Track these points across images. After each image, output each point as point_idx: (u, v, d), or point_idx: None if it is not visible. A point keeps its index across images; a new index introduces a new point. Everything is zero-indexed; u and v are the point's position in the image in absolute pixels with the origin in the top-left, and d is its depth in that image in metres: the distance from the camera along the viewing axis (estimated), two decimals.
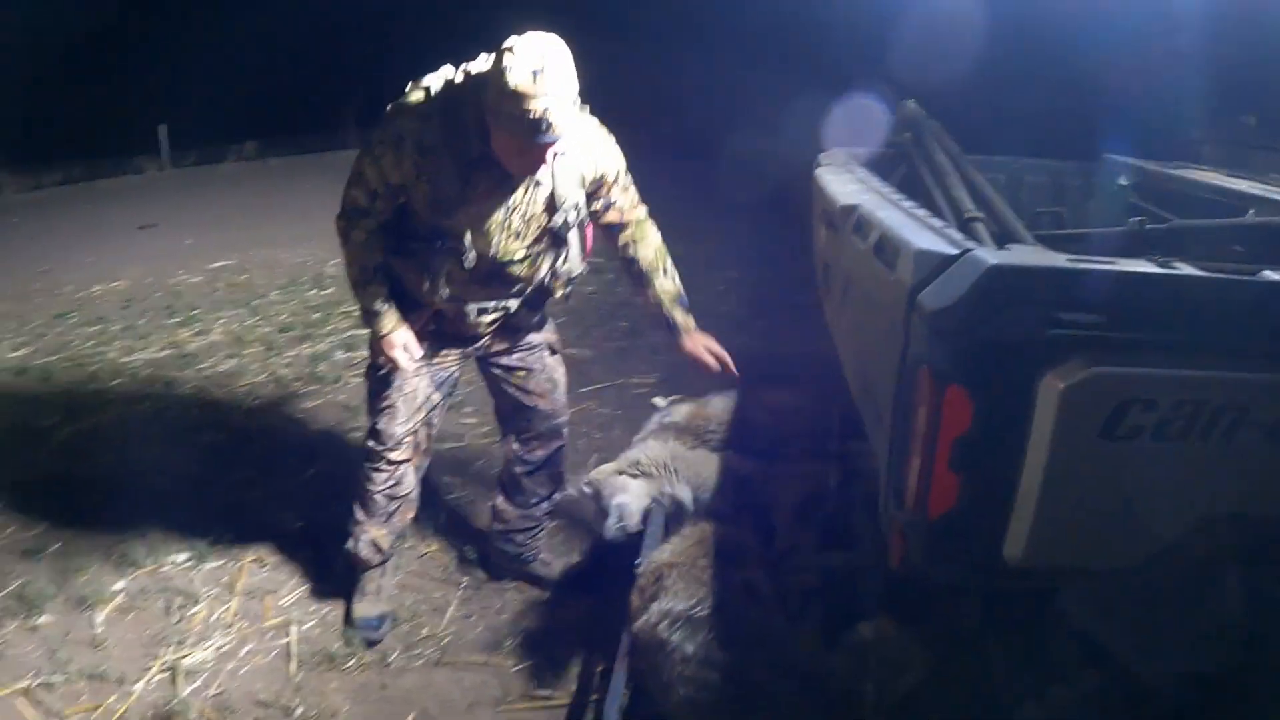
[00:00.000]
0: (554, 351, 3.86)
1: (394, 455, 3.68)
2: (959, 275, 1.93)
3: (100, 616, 3.98)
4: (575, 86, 2.96)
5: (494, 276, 3.40)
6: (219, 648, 3.77)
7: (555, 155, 3.15)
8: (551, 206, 3.32)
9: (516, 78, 2.81)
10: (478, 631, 3.86)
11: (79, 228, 11.62)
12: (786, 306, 7.16)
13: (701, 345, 3.65)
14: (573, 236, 3.46)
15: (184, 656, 3.72)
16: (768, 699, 2.73)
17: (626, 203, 3.56)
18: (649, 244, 3.64)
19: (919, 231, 2.25)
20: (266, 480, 5.05)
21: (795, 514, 3.63)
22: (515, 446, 3.95)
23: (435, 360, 3.63)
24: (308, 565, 4.28)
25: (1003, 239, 2.84)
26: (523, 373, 3.78)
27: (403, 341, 3.46)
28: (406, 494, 3.79)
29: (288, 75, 13.73)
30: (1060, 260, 2.00)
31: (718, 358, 3.66)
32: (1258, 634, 2.16)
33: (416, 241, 3.32)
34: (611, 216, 3.56)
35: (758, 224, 9.34)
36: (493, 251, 3.31)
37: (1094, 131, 4.38)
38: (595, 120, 3.39)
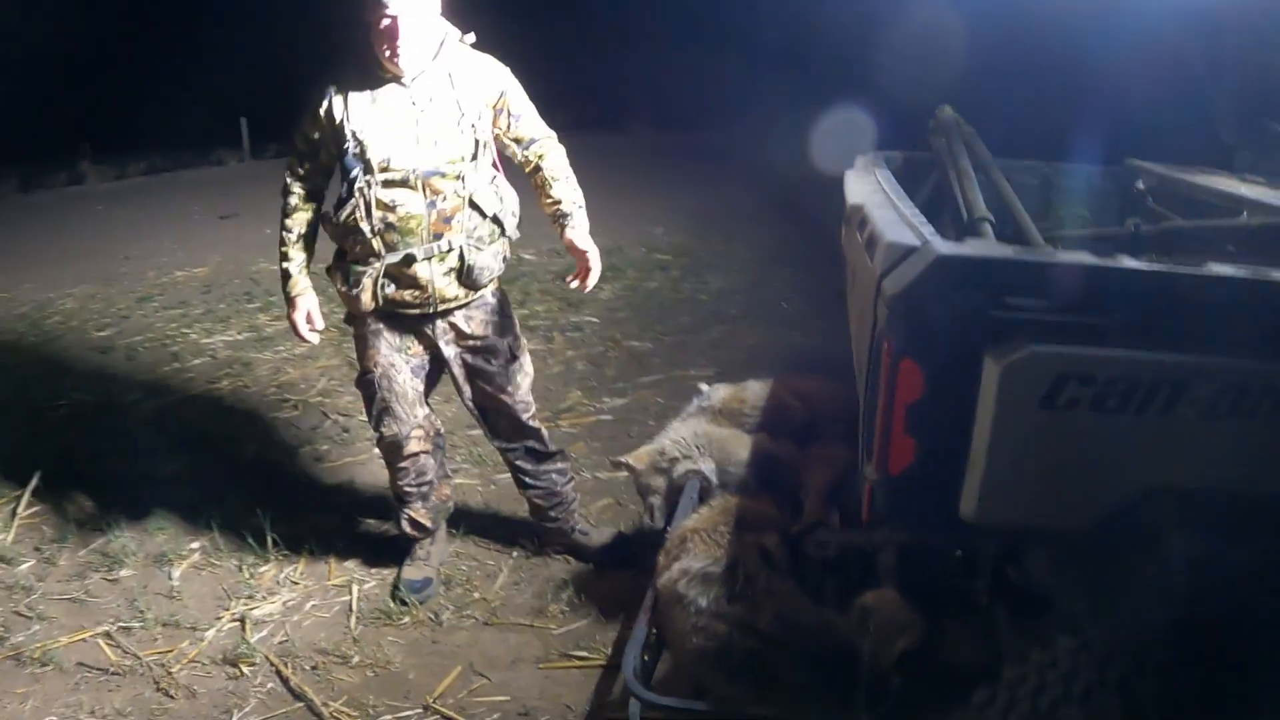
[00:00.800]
0: (514, 356, 4.02)
1: (407, 450, 4.02)
2: (914, 263, 2.25)
3: (177, 571, 4.42)
4: None
5: (429, 195, 3.61)
6: (285, 602, 4.18)
7: (442, 63, 3.62)
8: (459, 114, 3.62)
9: None
10: (525, 597, 4.17)
11: (162, 216, 12.01)
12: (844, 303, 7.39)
13: (584, 247, 3.87)
14: (486, 149, 3.73)
15: (253, 608, 4.14)
16: (771, 651, 3.05)
17: (531, 119, 3.86)
18: (555, 158, 3.92)
19: (897, 227, 2.57)
20: (338, 452, 5.50)
21: (821, 494, 3.85)
22: (497, 441, 4.23)
23: (406, 350, 3.92)
24: (372, 531, 4.69)
25: (1011, 238, 3.16)
26: (485, 374, 4.00)
27: (307, 308, 3.84)
28: (432, 477, 4.14)
29: None
30: (1005, 251, 2.32)
31: (586, 266, 3.89)
32: (1198, 596, 2.43)
33: (350, 193, 3.61)
34: (522, 131, 3.85)
35: (820, 224, 9.59)
36: (417, 163, 3.58)
37: (1127, 137, 4.58)
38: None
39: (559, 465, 4.32)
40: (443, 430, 4.23)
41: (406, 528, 4.22)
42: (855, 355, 3.17)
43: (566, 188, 3.90)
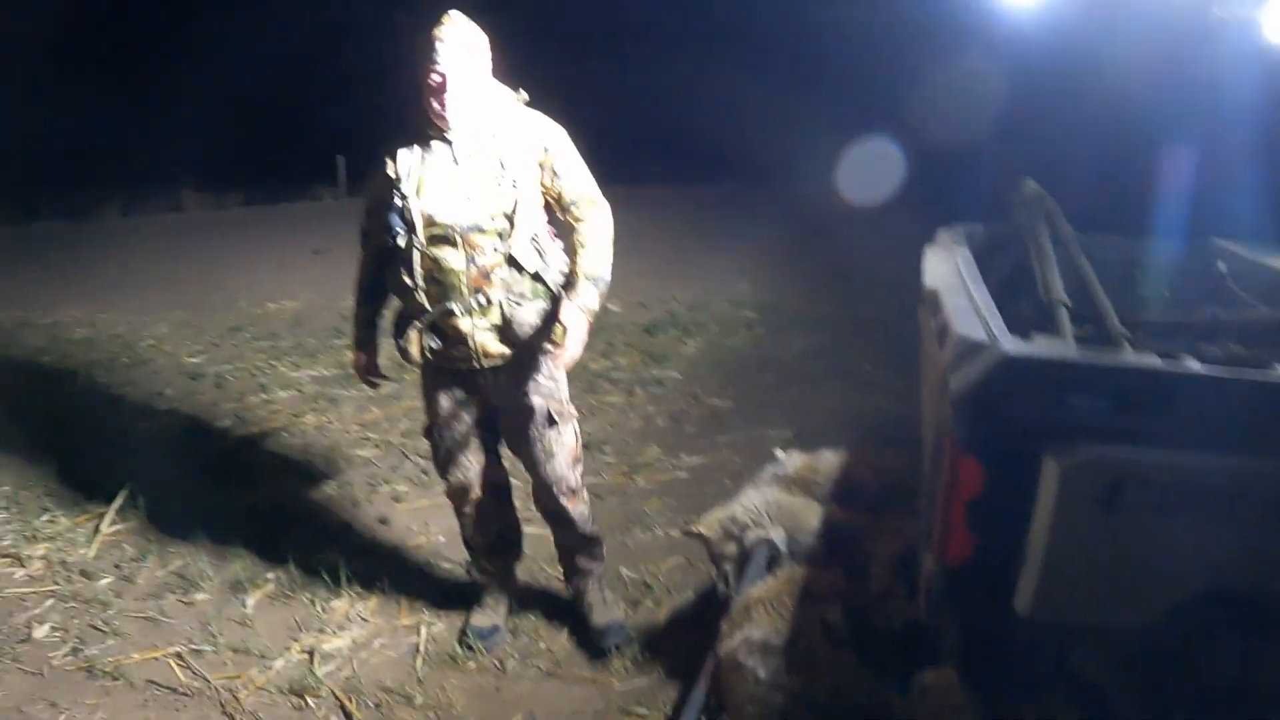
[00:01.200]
0: (552, 422, 3.94)
1: (472, 497, 4.14)
2: (980, 361, 2.33)
3: (251, 599, 4.61)
4: (482, 50, 3.65)
5: (468, 251, 3.65)
6: (354, 638, 4.31)
7: (488, 125, 3.68)
8: (500, 170, 3.66)
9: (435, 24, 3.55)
10: (590, 650, 4.24)
11: (257, 248, 12.43)
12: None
13: (569, 321, 3.69)
14: (529, 206, 3.70)
15: (322, 642, 4.28)
16: None
17: (576, 181, 3.80)
18: (591, 224, 3.81)
19: (967, 319, 2.65)
20: (416, 494, 5.66)
21: (889, 566, 3.91)
22: (535, 502, 4.25)
23: (466, 402, 3.98)
24: (444, 574, 4.82)
25: (1089, 319, 3.21)
26: (517, 434, 3.99)
27: (365, 355, 4.08)
28: (499, 527, 4.25)
29: None
30: (1071, 352, 2.39)
31: (563, 337, 3.70)
32: (1253, 698, 2.47)
33: (396, 248, 3.72)
34: (564, 190, 3.78)
35: (908, 285, 9.57)
36: (458, 218, 3.64)
37: (1215, 213, 4.57)
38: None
39: (587, 548, 4.30)
40: (511, 480, 4.31)
41: (476, 574, 4.36)
42: (924, 432, 3.24)
43: (587, 257, 3.80)
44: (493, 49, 3.71)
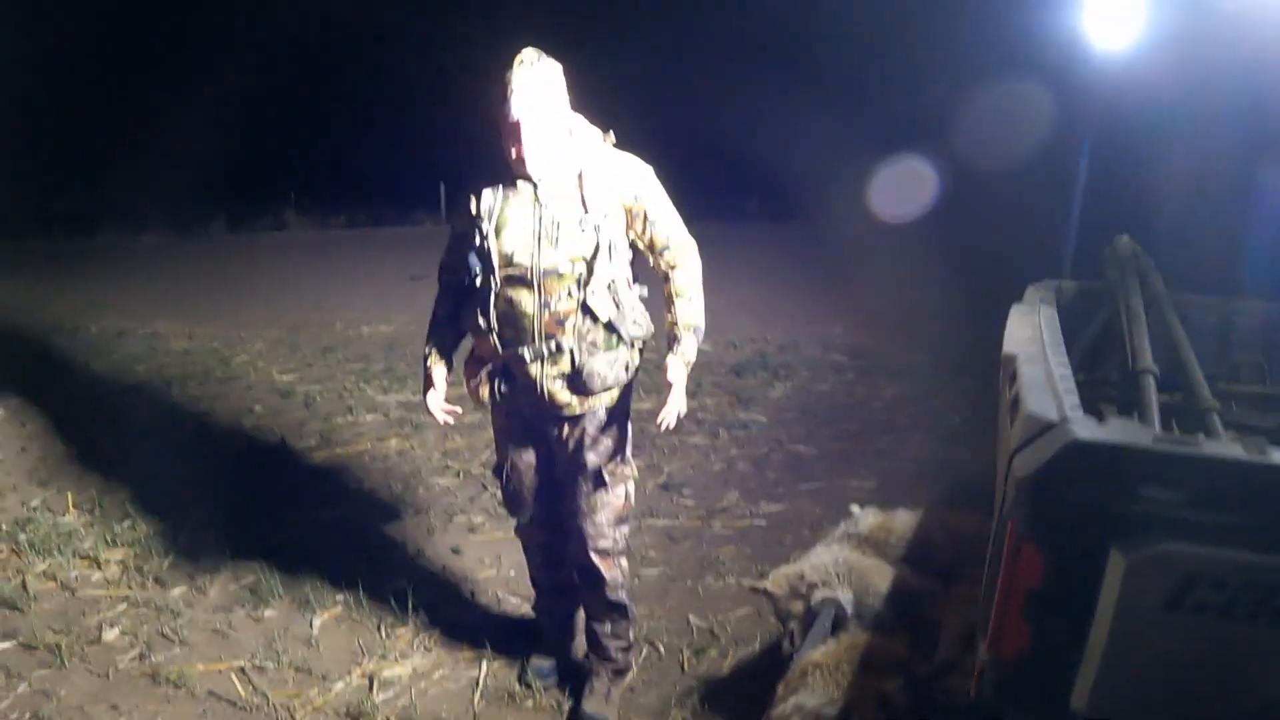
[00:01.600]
0: (602, 482, 3.84)
1: (539, 537, 4.10)
2: (1048, 444, 2.22)
3: (318, 620, 4.65)
4: (558, 88, 3.53)
5: (543, 295, 3.58)
6: (415, 667, 4.32)
7: (578, 171, 3.59)
8: (582, 213, 3.58)
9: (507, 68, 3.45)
10: (650, 698, 4.18)
11: (356, 270, 12.66)
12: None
13: (675, 378, 3.69)
14: (611, 252, 3.63)
15: (383, 668, 4.30)
16: None
17: (667, 224, 3.74)
18: (685, 271, 3.77)
19: (1040, 394, 2.53)
20: (491, 526, 5.65)
21: (957, 638, 3.80)
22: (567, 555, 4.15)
23: (534, 443, 3.92)
24: (511, 610, 4.81)
25: (1177, 387, 3.07)
26: (565, 486, 3.91)
27: (435, 389, 3.88)
28: (565, 569, 4.12)
29: None
30: (1146, 439, 2.25)
31: (672, 398, 3.70)
32: None
33: (473, 288, 3.67)
34: (657, 235, 3.73)
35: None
36: (534, 261, 3.56)
37: None
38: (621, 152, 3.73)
39: (613, 621, 4.12)
40: (579, 518, 4.24)
41: (537, 612, 4.33)
42: (994, 504, 3.13)
43: (687, 308, 3.77)
44: (571, 85, 3.62)
